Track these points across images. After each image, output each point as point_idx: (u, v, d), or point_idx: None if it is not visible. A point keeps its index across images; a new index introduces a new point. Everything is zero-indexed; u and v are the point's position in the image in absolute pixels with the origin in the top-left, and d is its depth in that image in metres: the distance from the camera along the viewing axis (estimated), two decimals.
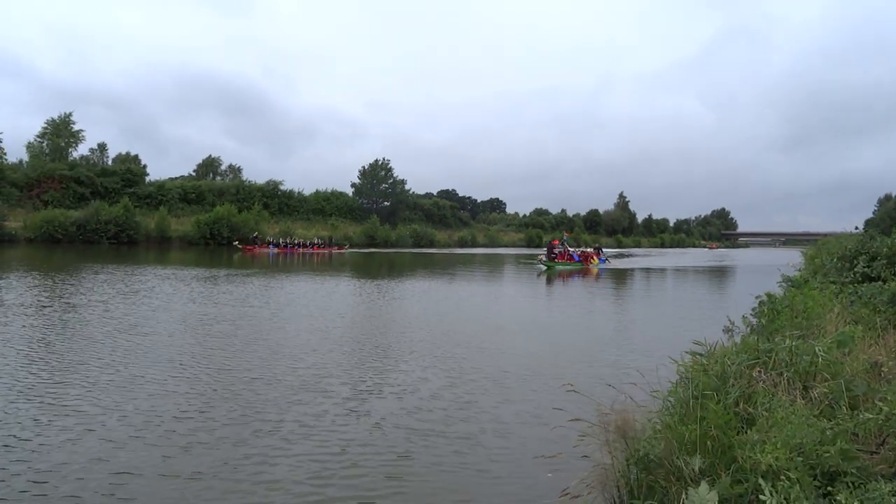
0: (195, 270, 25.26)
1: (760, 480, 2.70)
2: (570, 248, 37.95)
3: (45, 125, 63.96)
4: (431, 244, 74.84)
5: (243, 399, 6.80)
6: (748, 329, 7.41)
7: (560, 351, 10.59)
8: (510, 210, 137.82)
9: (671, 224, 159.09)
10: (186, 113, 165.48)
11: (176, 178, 73.63)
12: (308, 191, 79.57)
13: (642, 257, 60.15)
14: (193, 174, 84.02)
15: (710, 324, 11.02)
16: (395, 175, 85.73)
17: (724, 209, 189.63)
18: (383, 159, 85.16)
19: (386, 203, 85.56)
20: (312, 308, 14.68)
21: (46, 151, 62.87)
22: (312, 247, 53.02)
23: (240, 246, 49.19)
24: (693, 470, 3.17)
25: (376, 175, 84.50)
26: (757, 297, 8.30)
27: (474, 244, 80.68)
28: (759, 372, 4.39)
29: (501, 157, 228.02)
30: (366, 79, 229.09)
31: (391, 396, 7.30)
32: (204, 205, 62.69)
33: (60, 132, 63.88)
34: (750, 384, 4.19)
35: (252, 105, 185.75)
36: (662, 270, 38.54)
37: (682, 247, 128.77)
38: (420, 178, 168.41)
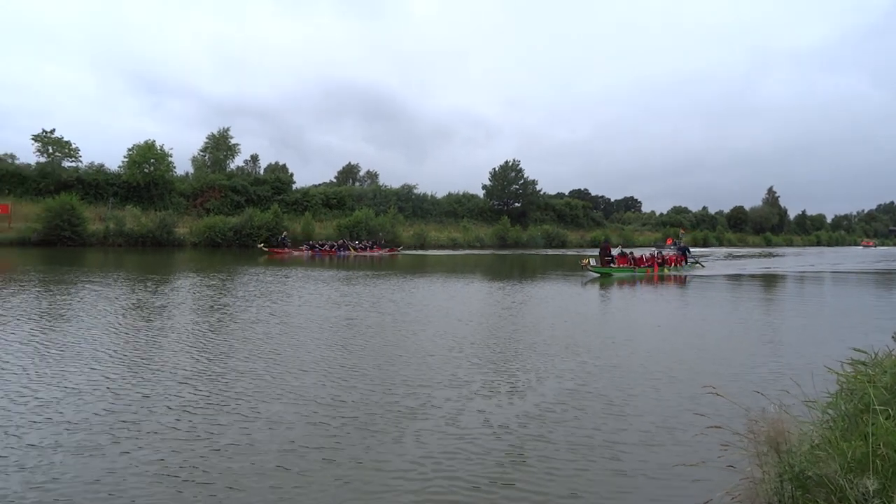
0: (332, 272, 26.33)
1: None
2: (661, 251, 33.28)
3: (207, 140, 70.65)
4: (563, 245, 73.25)
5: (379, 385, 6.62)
6: None
7: (700, 354, 9.86)
8: (646, 209, 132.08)
9: (828, 220, 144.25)
10: (329, 121, 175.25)
11: (319, 185, 78.28)
12: (440, 194, 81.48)
13: (793, 257, 54.18)
14: (334, 180, 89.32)
15: (866, 332, 10.27)
16: (525, 175, 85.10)
17: (893, 203, 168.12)
18: (513, 160, 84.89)
19: (517, 204, 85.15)
20: (438, 310, 14.51)
21: (208, 164, 69.51)
22: (356, 249, 47.11)
23: (266, 249, 44.03)
24: (862, 492, 2.84)
25: (506, 176, 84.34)
26: None
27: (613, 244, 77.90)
28: None
29: (638, 152, 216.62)
30: (499, 77, 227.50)
31: (525, 397, 7.01)
32: (344, 209, 66.03)
33: (219, 146, 70.21)
34: None
35: (388, 110, 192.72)
36: (797, 275, 31.56)
37: (842, 245, 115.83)
38: (552, 177, 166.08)
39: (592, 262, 27.99)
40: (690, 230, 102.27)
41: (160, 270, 25.17)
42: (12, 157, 56.10)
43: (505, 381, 7.72)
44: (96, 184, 54.57)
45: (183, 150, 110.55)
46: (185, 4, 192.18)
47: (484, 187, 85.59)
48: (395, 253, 48.86)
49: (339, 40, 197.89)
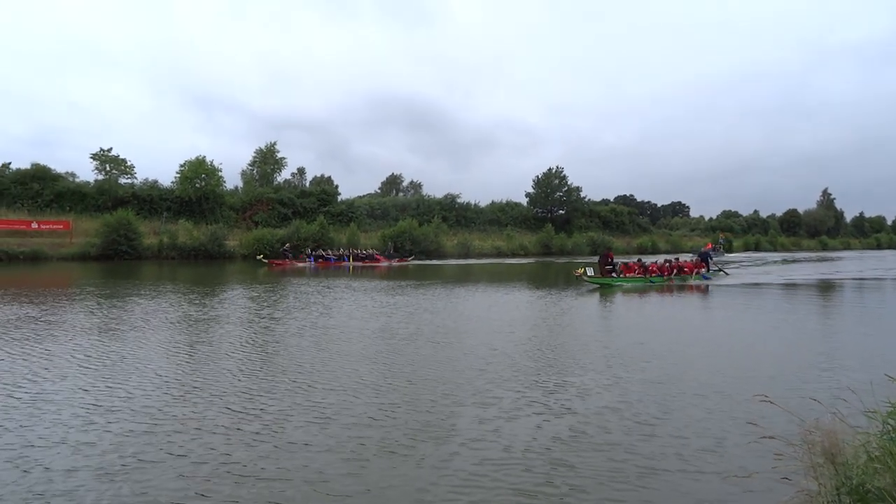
0: (376, 282, 26.49)
1: None
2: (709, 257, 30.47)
3: (255, 154, 72.61)
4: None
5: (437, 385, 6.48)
6: None
7: (749, 363, 9.42)
8: (694, 213, 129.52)
9: (888, 222, 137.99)
10: (373, 132, 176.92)
11: (364, 196, 79.54)
12: (484, 202, 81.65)
13: (851, 261, 51.55)
14: (379, 191, 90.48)
15: None
16: (569, 182, 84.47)
17: None
18: (557, 167, 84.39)
19: (561, 211, 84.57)
20: (486, 318, 14.33)
21: (256, 177, 71.40)
22: (363, 259, 44.97)
23: (265, 260, 42.01)
24: None
25: (550, 183, 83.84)
26: None
27: (655, 250, 76.21)
28: None
29: (687, 155, 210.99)
30: (543, 82, 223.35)
31: (576, 404, 6.84)
32: (388, 219, 66.83)
33: (267, 160, 72.01)
34: None
35: (432, 120, 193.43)
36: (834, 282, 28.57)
37: None
38: (597, 183, 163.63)
39: (589, 271, 24.83)
40: (741, 234, 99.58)
41: (211, 282, 25.80)
42: (73, 175, 58.71)
43: (554, 385, 7.50)
44: (151, 199, 56.57)
45: (233, 164, 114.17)
46: (236, 22, 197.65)
47: (527, 195, 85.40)
48: (406, 263, 47.24)
49: (384, 50, 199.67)
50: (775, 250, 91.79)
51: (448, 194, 77.39)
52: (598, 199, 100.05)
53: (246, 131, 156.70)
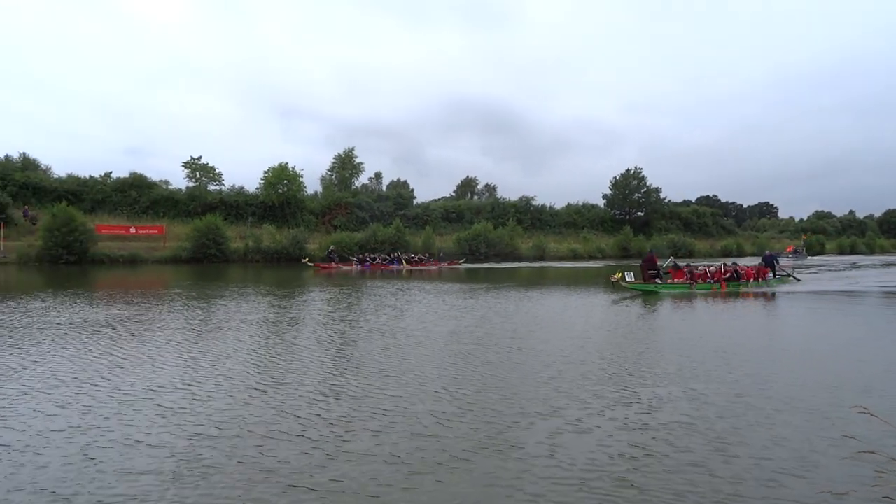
0: (448, 285, 26.48)
1: None
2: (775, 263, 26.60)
3: (334, 160, 74.85)
4: (691, 255, 69.24)
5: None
6: None
7: (841, 373, 8.68)
8: (783, 214, 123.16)
9: None
10: (448, 135, 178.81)
11: (439, 200, 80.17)
12: (560, 204, 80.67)
13: None
14: (453, 194, 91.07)
15: None
16: (648, 183, 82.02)
17: None
18: (635, 168, 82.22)
19: (639, 213, 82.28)
20: (559, 323, 13.93)
21: (335, 182, 73.54)
22: (411, 262, 44.46)
23: (310, 263, 41.60)
24: None
25: (628, 184, 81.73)
26: None
27: (740, 253, 72.60)
28: None
29: (774, 154, 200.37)
30: (621, 81, 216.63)
31: (648, 419, 6.38)
32: (463, 223, 67.13)
33: (345, 165, 74.03)
34: None
35: (507, 122, 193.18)
36: None
37: None
38: (678, 184, 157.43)
39: (629, 276, 22.47)
40: (835, 236, 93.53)
41: (289, 284, 26.62)
42: (167, 182, 62.45)
43: (625, 396, 7.09)
44: (237, 205, 59.34)
45: (313, 170, 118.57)
46: (318, 32, 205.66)
47: (604, 197, 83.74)
48: (457, 266, 46.75)
49: (459, 54, 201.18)
50: (872, 253, 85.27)
51: (523, 197, 76.99)
52: (678, 199, 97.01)
53: (325, 138, 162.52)
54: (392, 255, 45.80)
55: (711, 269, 24.27)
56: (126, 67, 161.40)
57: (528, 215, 73.53)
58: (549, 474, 4.95)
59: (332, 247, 46.31)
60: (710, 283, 23.10)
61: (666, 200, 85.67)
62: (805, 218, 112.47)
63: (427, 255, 49.30)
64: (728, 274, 23.73)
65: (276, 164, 60.97)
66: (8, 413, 6.56)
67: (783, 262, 35.01)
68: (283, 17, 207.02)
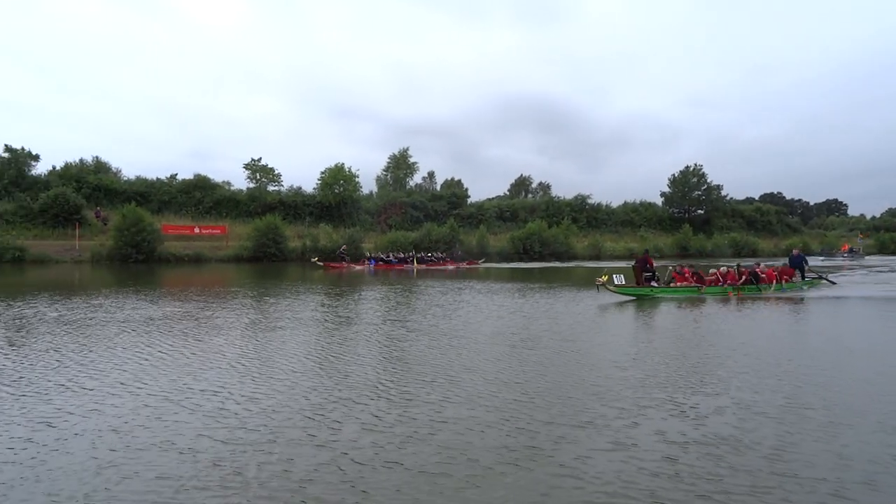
0: (500, 284, 26.24)
1: None
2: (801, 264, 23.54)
3: (389, 160, 75.81)
4: (754, 254, 66.60)
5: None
6: None
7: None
8: (852, 212, 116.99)
9: None
10: (502, 134, 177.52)
11: (493, 199, 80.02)
12: (616, 203, 79.23)
13: None
14: (507, 193, 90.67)
15: None
16: (708, 180, 79.43)
17: None
18: (695, 165, 79.74)
19: (699, 211, 79.81)
20: (611, 327, 13.60)
21: (390, 182, 74.41)
22: (427, 263, 43.76)
23: (321, 263, 40.82)
24: None
25: (687, 182, 79.36)
26: None
27: (807, 253, 69.19)
28: None
29: (842, 149, 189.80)
30: (681, 74, 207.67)
31: (695, 433, 6.01)
32: (517, 221, 66.81)
33: (400, 165, 74.86)
34: None
35: (561, 119, 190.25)
36: None
37: None
38: (740, 181, 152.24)
39: (616, 279, 20.15)
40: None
41: (349, 283, 27.08)
42: (228, 183, 64.60)
43: (674, 406, 6.73)
44: (295, 205, 60.79)
45: (368, 170, 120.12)
46: (372, 31, 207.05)
47: (662, 195, 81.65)
48: (476, 265, 45.58)
49: (514, 51, 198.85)
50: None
51: (578, 195, 75.92)
52: (740, 197, 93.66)
53: (380, 138, 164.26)
54: (407, 255, 45.01)
55: (723, 269, 21.94)
56: (189, 73, 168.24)
57: (584, 214, 72.50)
58: (581, 488, 4.78)
59: (343, 246, 45.72)
60: (717, 286, 20.90)
61: (727, 198, 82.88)
62: (878, 216, 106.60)
63: (443, 254, 48.50)
64: (744, 276, 21.55)
65: (332, 164, 62.38)
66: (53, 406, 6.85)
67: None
68: (337, 17, 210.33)
